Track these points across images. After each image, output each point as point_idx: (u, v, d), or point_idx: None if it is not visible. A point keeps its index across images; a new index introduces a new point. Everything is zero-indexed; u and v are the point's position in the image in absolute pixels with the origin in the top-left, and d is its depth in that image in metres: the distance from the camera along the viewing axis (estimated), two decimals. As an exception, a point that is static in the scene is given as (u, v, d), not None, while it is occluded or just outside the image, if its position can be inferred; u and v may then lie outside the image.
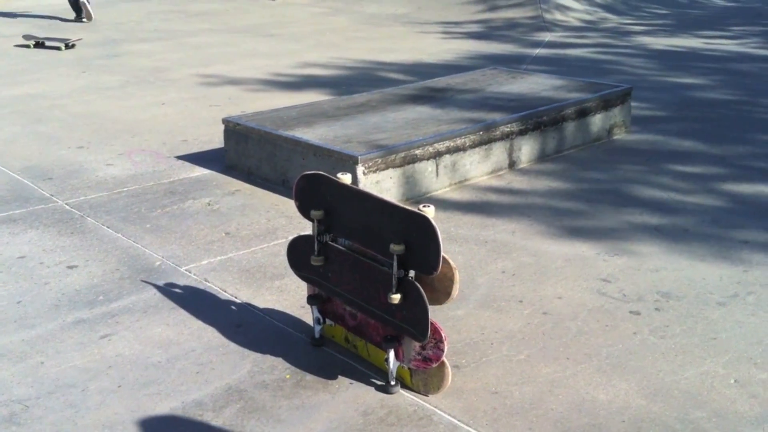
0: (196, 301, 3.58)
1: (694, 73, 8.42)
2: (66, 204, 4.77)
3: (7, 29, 11.78)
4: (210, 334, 3.30)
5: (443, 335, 2.75)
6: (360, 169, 4.48)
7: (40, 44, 10.21)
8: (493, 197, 4.84)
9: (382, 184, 4.60)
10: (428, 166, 4.82)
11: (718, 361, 3.08)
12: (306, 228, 3.73)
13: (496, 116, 5.25)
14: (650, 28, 11.64)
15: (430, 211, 2.69)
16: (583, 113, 5.72)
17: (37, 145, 5.95)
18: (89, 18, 12.30)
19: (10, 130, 6.40)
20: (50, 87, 7.92)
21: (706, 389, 2.91)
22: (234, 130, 5.27)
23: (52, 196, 4.90)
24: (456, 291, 2.76)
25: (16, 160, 5.61)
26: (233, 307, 3.54)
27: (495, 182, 5.10)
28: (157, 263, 3.97)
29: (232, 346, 3.21)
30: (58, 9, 13.06)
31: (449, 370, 2.85)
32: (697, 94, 7.46)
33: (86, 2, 12.27)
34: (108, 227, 4.41)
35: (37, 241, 4.23)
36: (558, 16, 12.29)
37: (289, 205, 4.62)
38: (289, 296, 3.62)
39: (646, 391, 2.90)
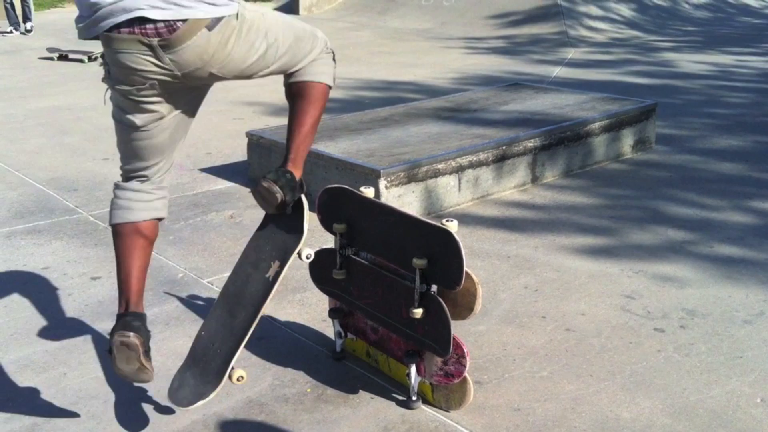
0: (218, 314, 3.57)
1: (721, 90, 8.36)
2: (90, 215, 4.80)
3: (32, 42, 11.92)
4: (231, 346, 3.30)
5: (465, 351, 2.73)
6: (382, 183, 4.48)
7: (63, 57, 10.35)
8: (516, 212, 4.82)
9: (405, 198, 4.60)
10: (450, 181, 4.81)
11: (744, 380, 3.04)
12: (328, 242, 3.72)
13: (520, 131, 5.24)
14: (677, 44, 11.59)
15: (453, 226, 2.68)
16: (607, 129, 5.68)
17: (63, 157, 6.01)
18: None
19: (37, 141, 6.46)
20: (75, 99, 8.00)
21: (731, 409, 2.87)
22: (257, 143, 5.29)
23: (77, 207, 4.94)
24: (478, 306, 2.75)
25: (42, 171, 5.66)
26: (255, 320, 3.53)
27: (518, 197, 5.08)
28: (180, 275, 3.98)
29: (254, 359, 3.21)
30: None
31: (471, 386, 2.83)
32: (723, 110, 7.41)
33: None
34: (131, 239, 4.42)
35: (61, 252, 4.26)
36: (582, 32, 12.27)
37: (311, 218, 4.62)
38: (311, 309, 3.62)
39: (671, 409, 2.87)
